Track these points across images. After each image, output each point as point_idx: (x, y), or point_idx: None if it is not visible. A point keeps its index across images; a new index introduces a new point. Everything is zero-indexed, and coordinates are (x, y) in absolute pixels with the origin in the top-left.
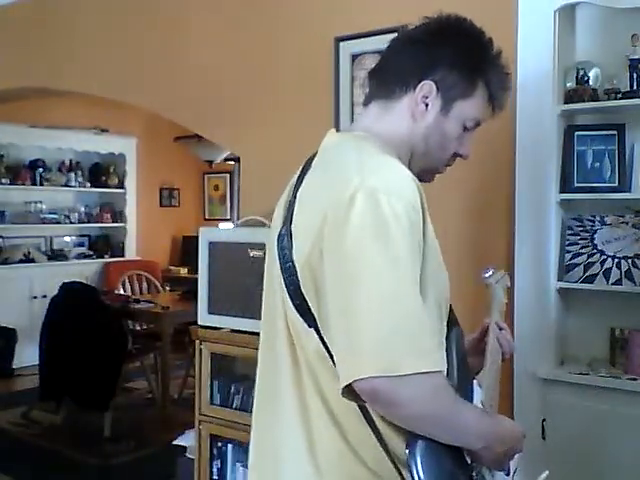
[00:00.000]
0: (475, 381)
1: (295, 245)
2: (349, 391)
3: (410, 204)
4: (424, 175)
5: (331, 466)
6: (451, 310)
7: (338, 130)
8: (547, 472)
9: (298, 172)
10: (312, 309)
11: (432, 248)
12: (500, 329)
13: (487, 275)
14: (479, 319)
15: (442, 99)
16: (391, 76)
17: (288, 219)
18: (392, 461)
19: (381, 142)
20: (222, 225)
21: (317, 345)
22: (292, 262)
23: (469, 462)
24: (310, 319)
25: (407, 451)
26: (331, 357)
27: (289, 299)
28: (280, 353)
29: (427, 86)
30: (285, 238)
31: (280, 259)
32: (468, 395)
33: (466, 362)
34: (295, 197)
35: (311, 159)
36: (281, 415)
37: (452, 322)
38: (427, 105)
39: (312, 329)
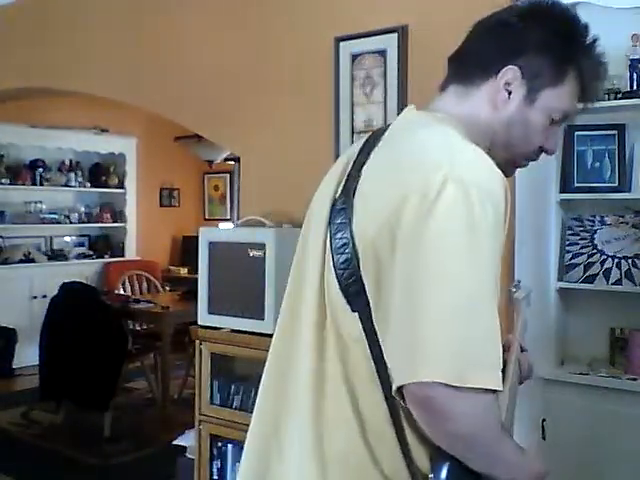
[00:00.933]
0: None
1: (356, 220)
2: (396, 392)
3: (497, 203)
4: (504, 168)
5: (340, 461)
6: None
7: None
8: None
9: (360, 145)
10: (367, 293)
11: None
12: (522, 350)
13: (513, 289)
14: None
15: (527, 87)
16: (472, 60)
17: (350, 191)
18: (411, 473)
19: (463, 128)
20: (222, 225)
21: (358, 332)
22: (351, 238)
23: None
24: (359, 302)
25: (432, 475)
26: (370, 346)
27: (334, 277)
28: (301, 333)
29: (511, 72)
30: (344, 212)
31: (332, 233)
32: None
33: None
34: (359, 170)
35: (378, 133)
36: (289, 400)
37: None
38: (510, 93)
39: (356, 313)
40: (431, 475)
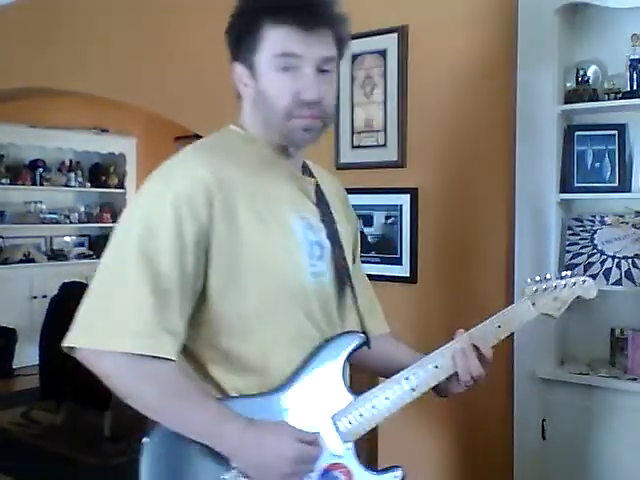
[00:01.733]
0: (340, 392)
1: None
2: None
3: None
4: (287, 139)
5: None
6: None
7: None
8: None
9: None
10: None
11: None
12: (479, 352)
13: (528, 282)
14: (470, 322)
15: (247, 67)
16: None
17: None
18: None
19: (226, 134)
20: None
21: None
22: None
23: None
24: None
25: (146, 439)
26: None
27: None
28: None
29: (235, 68)
30: None
31: None
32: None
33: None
34: None
35: None
36: None
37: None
38: (245, 84)
39: None
40: (146, 439)
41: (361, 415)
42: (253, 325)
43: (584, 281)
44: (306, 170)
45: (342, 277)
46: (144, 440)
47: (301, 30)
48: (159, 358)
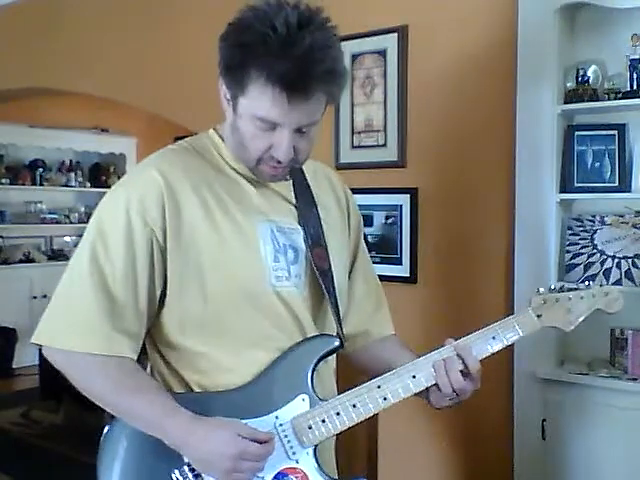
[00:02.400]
0: (303, 395)
1: None
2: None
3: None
4: (252, 171)
5: None
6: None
7: None
8: None
9: None
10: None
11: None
12: (464, 365)
13: (538, 291)
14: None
15: (230, 96)
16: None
17: None
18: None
19: (193, 143)
20: None
21: None
22: None
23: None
24: None
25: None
26: None
27: None
28: None
29: (221, 85)
30: None
31: None
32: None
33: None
34: None
35: None
36: None
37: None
38: (229, 102)
39: None
40: (107, 428)
41: (323, 421)
42: (214, 328)
43: (607, 293)
44: (293, 170)
45: (319, 280)
46: (105, 429)
47: (285, 100)
48: (111, 356)
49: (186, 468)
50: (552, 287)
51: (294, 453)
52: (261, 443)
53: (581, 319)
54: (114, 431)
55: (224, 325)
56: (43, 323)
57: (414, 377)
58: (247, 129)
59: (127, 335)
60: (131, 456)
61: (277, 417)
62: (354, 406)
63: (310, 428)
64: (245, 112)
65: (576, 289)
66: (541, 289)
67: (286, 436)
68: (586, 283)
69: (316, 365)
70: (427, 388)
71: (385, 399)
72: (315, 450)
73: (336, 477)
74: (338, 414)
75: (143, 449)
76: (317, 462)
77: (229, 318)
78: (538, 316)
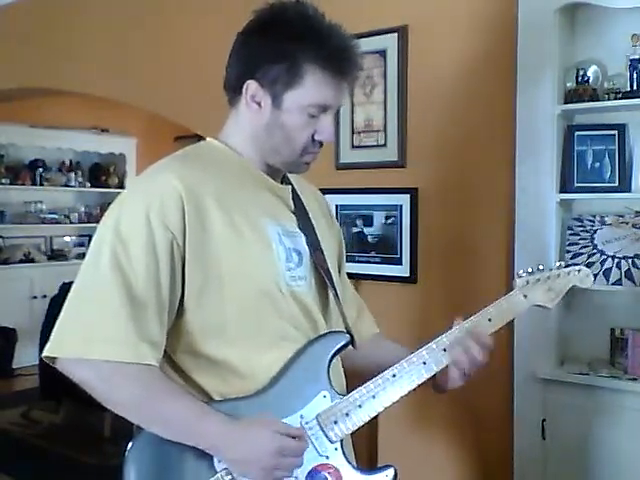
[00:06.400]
0: (324, 392)
1: None
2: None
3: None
4: (289, 167)
5: None
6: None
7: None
8: None
9: None
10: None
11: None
12: (477, 341)
13: (519, 273)
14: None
15: (270, 94)
16: (227, 84)
17: None
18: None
19: (211, 149)
20: None
21: None
22: None
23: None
24: None
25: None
26: None
27: None
28: None
29: (250, 86)
30: None
31: None
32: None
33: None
34: None
35: None
36: None
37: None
38: (259, 103)
39: None
40: (130, 444)
41: (347, 414)
42: (234, 332)
43: (579, 270)
44: (284, 179)
45: (324, 281)
46: (129, 446)
47: (337, 80)
48: (140, 364)
49: (219, 476)
50: (530, 270)
51: (323, 449)
52: (293, 438)
53: (561, 296)
54: (140, 445)
55: (245, 329)
56: (61, 334)
57: (424, 363)
58: (294, 122)
59: (151, 343)
60: (159, 469)
61: (302, 416)
62: (373, 397)
63: (336, 423)
64: (295, 104)
65: (552, 269)
66: (520, 271)
67: (313, 434)
68: (558, 264)
69: (330, 361)
70: (434, 375)
71: (402, 387)
72: (342, 444)
73: (366, 468)
74: (360, 406)
75: (171, 461)
76: (345, 456)
77: (249, 319)
78: (524, 296)
